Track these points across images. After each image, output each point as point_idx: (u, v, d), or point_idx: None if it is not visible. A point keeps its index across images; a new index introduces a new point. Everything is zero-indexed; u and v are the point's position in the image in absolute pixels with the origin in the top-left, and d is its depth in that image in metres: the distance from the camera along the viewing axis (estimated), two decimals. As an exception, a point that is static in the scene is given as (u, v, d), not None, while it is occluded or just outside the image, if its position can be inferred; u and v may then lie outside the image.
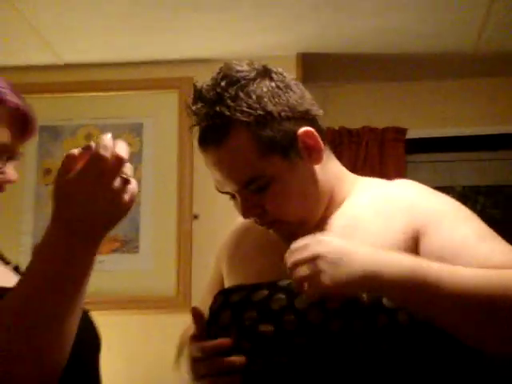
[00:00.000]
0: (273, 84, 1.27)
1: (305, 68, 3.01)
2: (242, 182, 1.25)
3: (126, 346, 2.81)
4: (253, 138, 1.23)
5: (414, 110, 3.25)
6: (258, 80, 1.26)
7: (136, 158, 2.97)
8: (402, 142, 3.14)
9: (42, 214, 2.90)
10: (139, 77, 3.02)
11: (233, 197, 1.31)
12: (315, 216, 1.31)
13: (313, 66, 3.05)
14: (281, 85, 1.27)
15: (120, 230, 2.90)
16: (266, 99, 1.25)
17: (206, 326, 1.25)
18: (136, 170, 2.97)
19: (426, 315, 1.13)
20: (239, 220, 1.46)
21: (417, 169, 3.25)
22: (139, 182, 2.96)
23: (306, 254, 1.11)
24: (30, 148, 3.01)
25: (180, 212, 2.86)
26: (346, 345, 1.15)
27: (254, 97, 1.24)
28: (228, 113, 1.23)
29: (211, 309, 1.29)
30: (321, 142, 1.29)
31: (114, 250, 2.87)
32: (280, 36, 2.86)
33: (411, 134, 3.17)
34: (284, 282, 1.21)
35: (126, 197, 1.00)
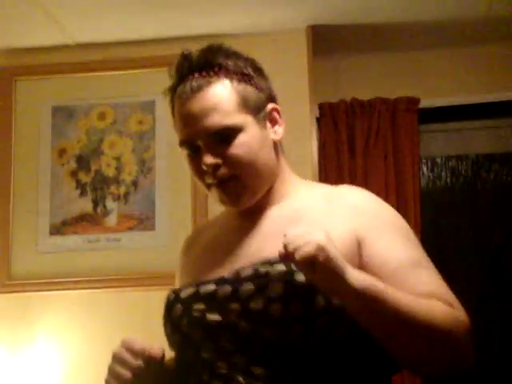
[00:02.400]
0: (254, 62, 1.46)
1: (315, 40, 3.00)
2: (215, 127, 1.35)
3: (147, 322, 2.84)
4: (237, 91, 1.38)
5: (427, 79, 3.22)
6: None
7: (149, 135, 2.98)
8: (414, 112, 3.12)
9: (57, 193, 2.92)
10: (151, 54, 3.02)
11: (193, 151, 1.40)
12: (263, 184, 1.41)
13: (323, 38, 3.03)
14: (259, 65, 1.46)
15: (136, 207, 2.92)
16: (252, 65, 1.43)
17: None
18: (149, 147, 2.99)
19: (368, 323, 1.24)
20: (194, 228, 1.53)
21: (430, 138, 3.24)
22: (153, 159, 2.98)
23: (306, 238, 1.17)
24: (45, 129, 3.04)
25: (195, 188, 2.87)
26: (286, 328, 1.24)
27: (243, 58, 1.43)
28: (222, 61, 1.38)
29: (165, 306, 1.42)
30: (283, 122, 1.45)
31: (131, 228, 2.89)
32: (290, 9, 2.85)
33: (424, 104, 3.15)
34: (230, 275, 1.31)
35: None
